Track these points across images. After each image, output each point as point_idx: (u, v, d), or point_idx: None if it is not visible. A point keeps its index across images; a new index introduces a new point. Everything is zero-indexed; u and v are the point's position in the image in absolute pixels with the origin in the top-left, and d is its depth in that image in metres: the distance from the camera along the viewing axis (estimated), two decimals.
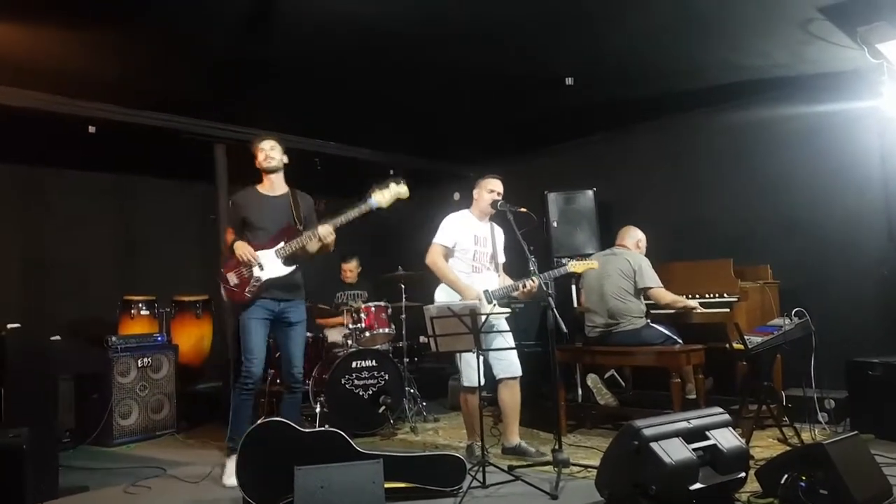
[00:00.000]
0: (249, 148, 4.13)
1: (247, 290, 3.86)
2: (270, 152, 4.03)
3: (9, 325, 3.62)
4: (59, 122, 5.12)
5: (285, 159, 4.12)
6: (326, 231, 3.87)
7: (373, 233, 8.66)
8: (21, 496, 2.87)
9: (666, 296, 4.63)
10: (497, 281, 4.27)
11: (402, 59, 4.65)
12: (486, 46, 4.49)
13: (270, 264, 3.90)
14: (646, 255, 4.86)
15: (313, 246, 3.95)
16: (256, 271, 3.88)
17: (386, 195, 3.88)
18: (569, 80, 5.09)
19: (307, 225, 4.01)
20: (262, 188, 4.10)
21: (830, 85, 5.05)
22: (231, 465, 3.69)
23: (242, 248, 3.87)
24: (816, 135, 5.27)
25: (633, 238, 4.95)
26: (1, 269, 5.91)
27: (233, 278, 3.91)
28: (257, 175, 4.13)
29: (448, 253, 4.21)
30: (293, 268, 3.95)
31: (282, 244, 3.92)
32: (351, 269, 6.42)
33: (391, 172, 7.22)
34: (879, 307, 4.88)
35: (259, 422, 3.42)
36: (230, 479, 3.66)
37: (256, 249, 3.90)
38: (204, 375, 6.09)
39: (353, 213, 3.90)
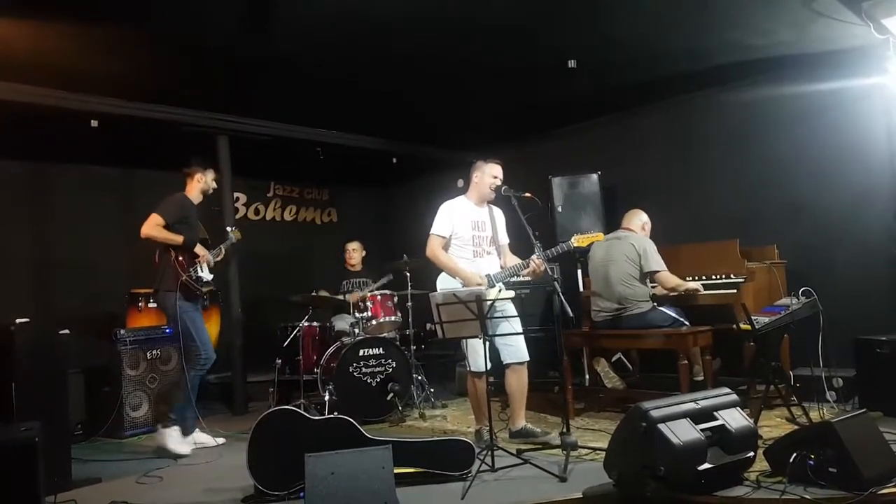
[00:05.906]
0: (190, 172, 4.70)
1: (198, 289, 4.46)
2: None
3: (17, 320, 3.62)
4: (62, 117, 5.12)
5: None
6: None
7: (377, 221, 8.70)
8: (35, 489, 2.89)
9: (670, 280, 4.62)
10: (499, 264, 4.24)
11: (403, 45, 4.62)
12: (488, 30, 4.45)
13: (207, 268, 4.57)
14: (652, 238, 4.85)
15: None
16: (200, 271, 4.48)
17: (237, 233, 5.02)
18: (571, 63, 5.05)
19: None
20: (192, 197, 4.65)
21: (835, 62, 5.00)
22: (196, 436, 4.48)
23: (205, 252, 4.52)
24: (822, 113, 5.22)
25: (639, 221, 4.93)
26: (8, 264, 5.94)
27: (192, 274, 4.45)
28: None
29: (447, 242, 4.19)
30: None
31: (215, 250, 4.64)
32: (354, 248, 6.42)
33: (394, 161, 7.28)
34: (887, 285, 4.86)
35: (270, 410, 3.44)
36: (185, 447, 4.31)
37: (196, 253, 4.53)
38: (212, 366, 6.10)
39: (226, 245, 4.86)
